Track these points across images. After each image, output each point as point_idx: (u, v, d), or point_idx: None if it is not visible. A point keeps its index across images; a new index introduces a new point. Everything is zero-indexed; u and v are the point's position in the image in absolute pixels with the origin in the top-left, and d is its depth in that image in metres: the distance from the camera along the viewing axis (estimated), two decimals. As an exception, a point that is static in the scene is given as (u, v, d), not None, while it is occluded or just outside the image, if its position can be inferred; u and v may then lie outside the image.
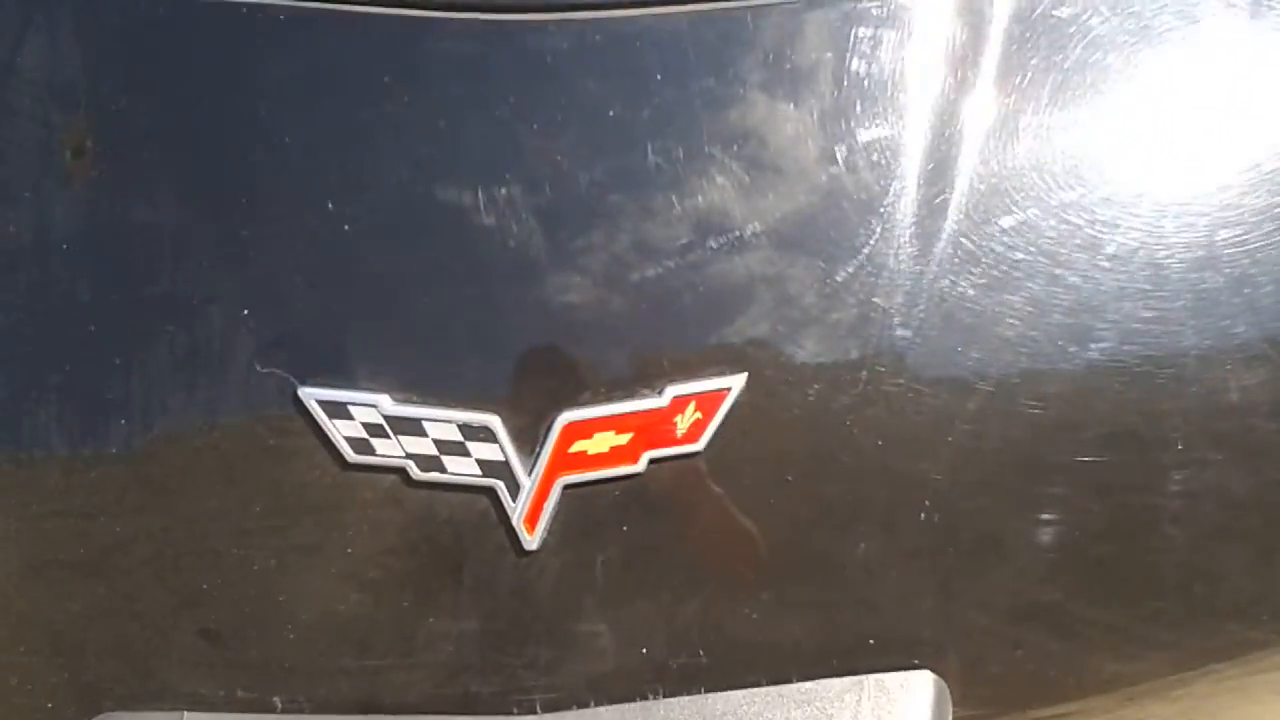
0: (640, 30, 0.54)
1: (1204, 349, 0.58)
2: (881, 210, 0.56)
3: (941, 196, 0.57)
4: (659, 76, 0.53)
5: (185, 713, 0.54)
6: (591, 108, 0.52)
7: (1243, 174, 0.62)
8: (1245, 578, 0.60)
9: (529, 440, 0.53)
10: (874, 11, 0.57)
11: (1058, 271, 0.58)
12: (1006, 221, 0.59)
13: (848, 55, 0.56)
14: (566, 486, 0.55)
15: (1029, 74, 0.60)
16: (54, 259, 0.53)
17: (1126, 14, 0.62)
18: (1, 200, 0.53)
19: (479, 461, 0.53)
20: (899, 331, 0.55)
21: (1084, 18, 0.61)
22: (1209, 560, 0.60)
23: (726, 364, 0.54)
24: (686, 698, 0.56)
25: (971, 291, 0.56)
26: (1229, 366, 0.58)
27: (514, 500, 0.54)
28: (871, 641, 0.59)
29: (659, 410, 0.53)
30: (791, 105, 0.54)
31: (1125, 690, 0.62)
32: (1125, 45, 0.62)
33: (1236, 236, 0.61)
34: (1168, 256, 0.60)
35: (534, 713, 0.54)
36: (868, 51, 0.56)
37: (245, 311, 0.52)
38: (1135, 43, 0.62)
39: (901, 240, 0.56)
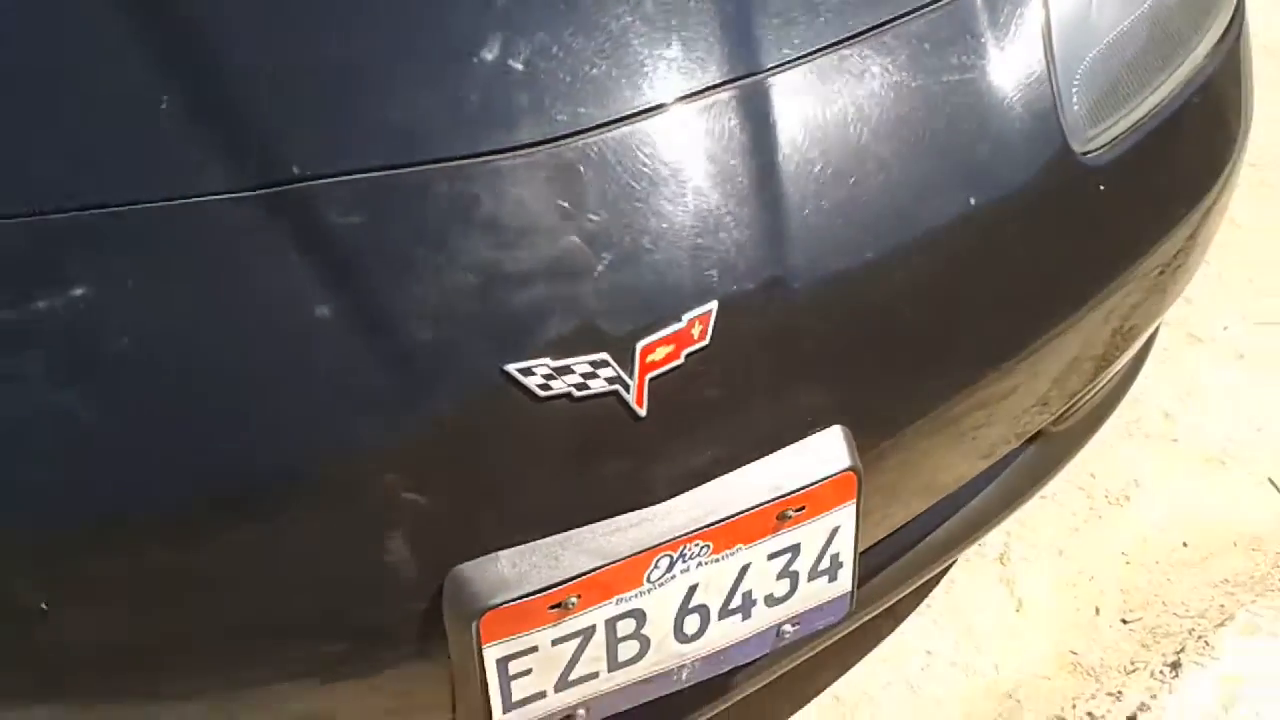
0: None
1: None
2: None
3: None
4: None
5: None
6: None
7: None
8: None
9: (627, 362, 0.86)
10: None
11: None
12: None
13: None
14: (650, 379, 0.87)
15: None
16: None
17: None
18: None
19: (606, 379, 0.86)
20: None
21: None
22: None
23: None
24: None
25: None
26: None
27: (627, 393, 0.86)
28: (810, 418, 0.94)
29: (683, 330, 0.87)
30: None
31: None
32: None
33: None
34: None
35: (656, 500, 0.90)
36: None
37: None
38: None
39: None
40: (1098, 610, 1.46)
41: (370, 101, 0.88)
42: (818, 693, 1.37)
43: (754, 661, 1.04)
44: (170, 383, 0.81)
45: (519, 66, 0.90)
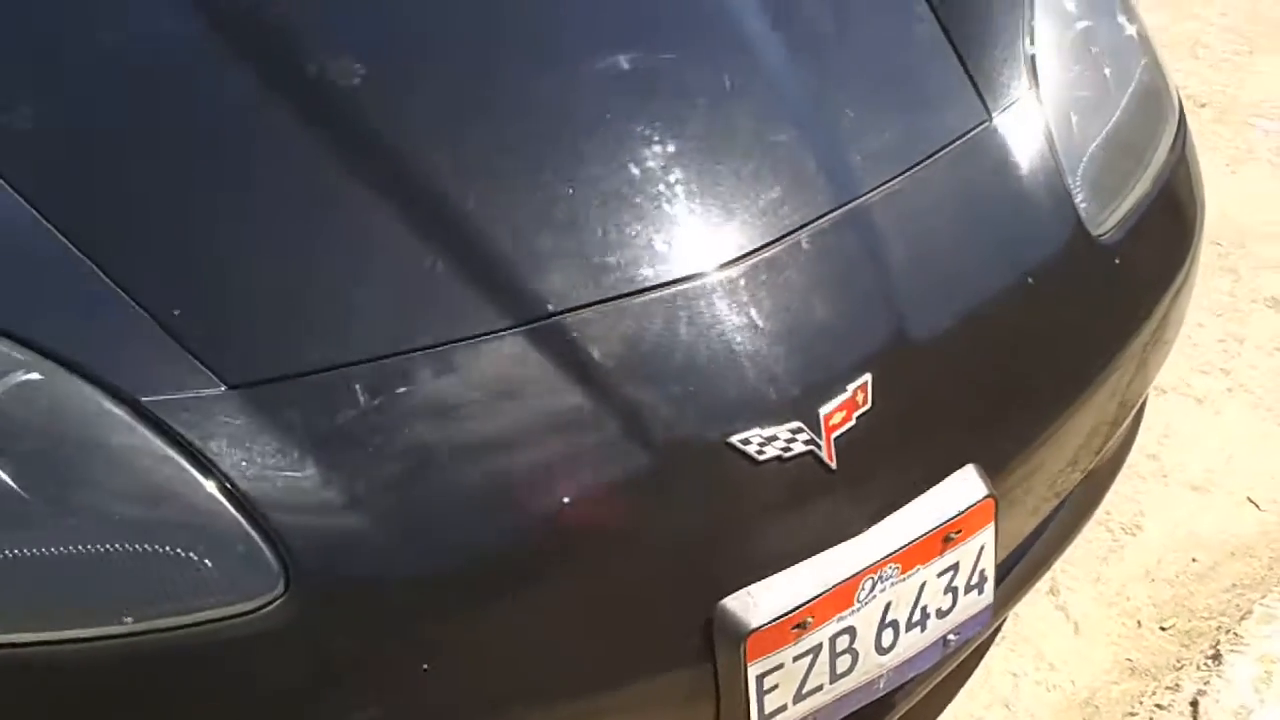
0: None
1: None
2: None
3: None
4: None
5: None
6: None
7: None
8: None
9: (816, 427, 1.10)
10: None
11: None
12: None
13: None
14: (835, 439, 1.10)
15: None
16: None
17: None
18: None
19: (803, 442, 1.09)
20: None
21: None
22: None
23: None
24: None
25: None
26: None
27: (820, 451, 1.10)
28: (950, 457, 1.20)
29: (850, 398, 1.12)
30: None
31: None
32: None
33: None
34: None
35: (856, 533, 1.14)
36: None
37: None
38: None
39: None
40: (1139, 623, 1.71)
41: (595, 242, 1.13)
42: (932, 721, 1.58)
43: (924, 672, 1.26)
44: (491, 478, 1.03)
45: (713, 195, 1.17)
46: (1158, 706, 1.59)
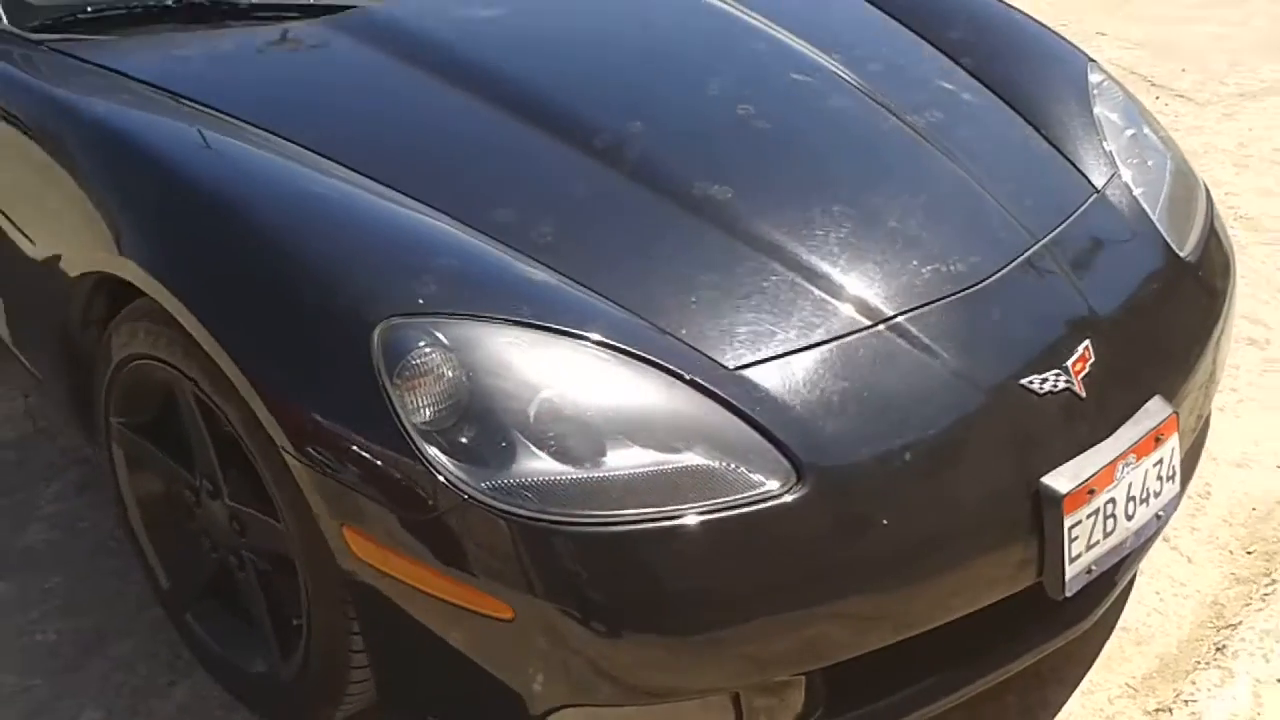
0: None
1: None
2: None
3: None
4: None
5: None
6: None
7: None
8: None
9: (1069, 373, 1.77)
10: None
11: None
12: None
13: None
14: (1081, 378, 1.76)
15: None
16: None
17: None
18: None
19: (1064, 382, 1.75)
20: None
21: None
22: None
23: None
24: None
25: None
26: None
27: (1075, 388, 1.75)
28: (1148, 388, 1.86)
29: (1082, 355, 1.92)
30: None
31: None
32: None
33: None
34: None
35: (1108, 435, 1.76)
36: None
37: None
38: None
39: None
40: (1230, 551, 2.34)
41: (912, 269, 1.77)
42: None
43: (1141, 545, 1.86)
44: (898, 409, 1.63)
45: (963, 234, 1.85)
46: (1264, 596, 2.19)
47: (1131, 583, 2.22)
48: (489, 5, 2.40)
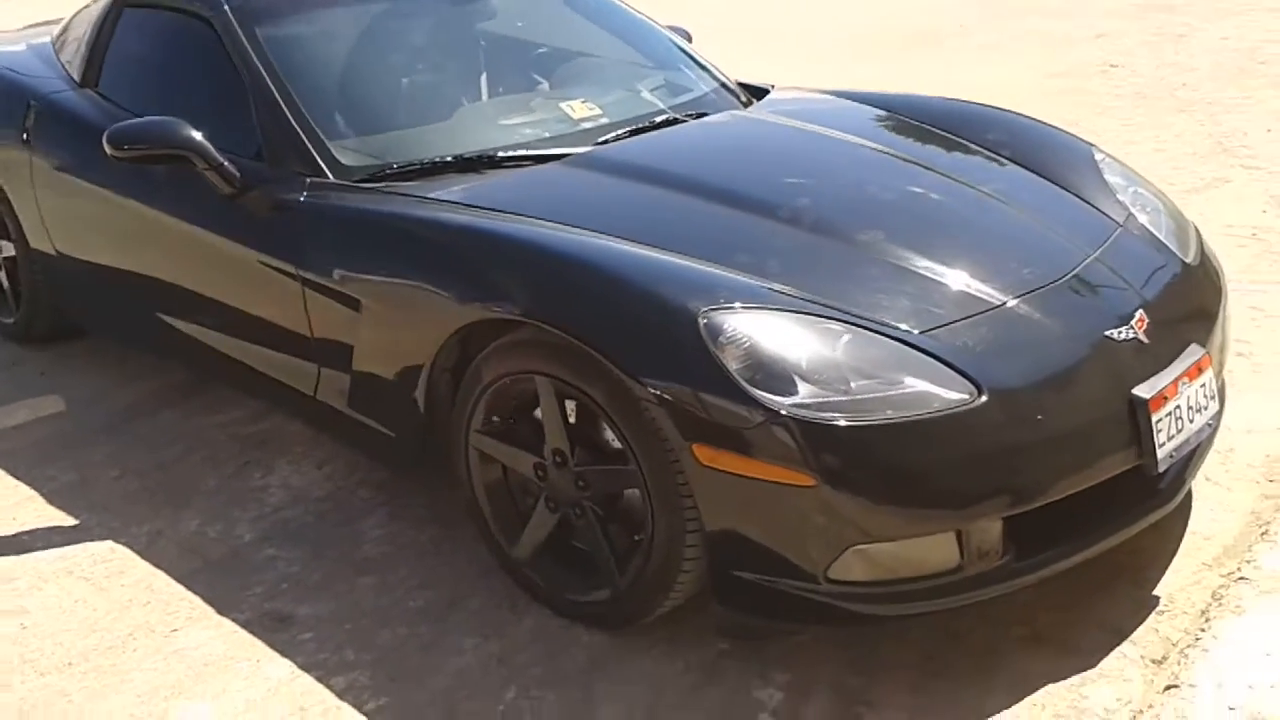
0: None
1: None
2: None
3: None
4: None
5: None
6: None
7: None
8: None
9: (1133, 328, 2.73)
10: None
11: None
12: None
13: None
14: (1143, 330, 2.69)
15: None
16: None
17: None
18: None
19: (1129, 334, 2.67)
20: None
21: None
22: None
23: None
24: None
25: None
26: None
27: (1141, 336, 2.67)
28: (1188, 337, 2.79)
29: (1141, 315, 2.96)
30: None
31: None
32: None
33: None
34: None
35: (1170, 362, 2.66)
36: None
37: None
38: None
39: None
40: (1257, 481, 3.17)
41: (1011, 262, 2.65)
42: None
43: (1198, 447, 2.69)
44: (1034, 357, 2.50)
45: (1039, 247, 2.74)
46: (1288, 507, 3.02)
47: (1191, 501, 3.03)
48: (673, 142, 3.37)
